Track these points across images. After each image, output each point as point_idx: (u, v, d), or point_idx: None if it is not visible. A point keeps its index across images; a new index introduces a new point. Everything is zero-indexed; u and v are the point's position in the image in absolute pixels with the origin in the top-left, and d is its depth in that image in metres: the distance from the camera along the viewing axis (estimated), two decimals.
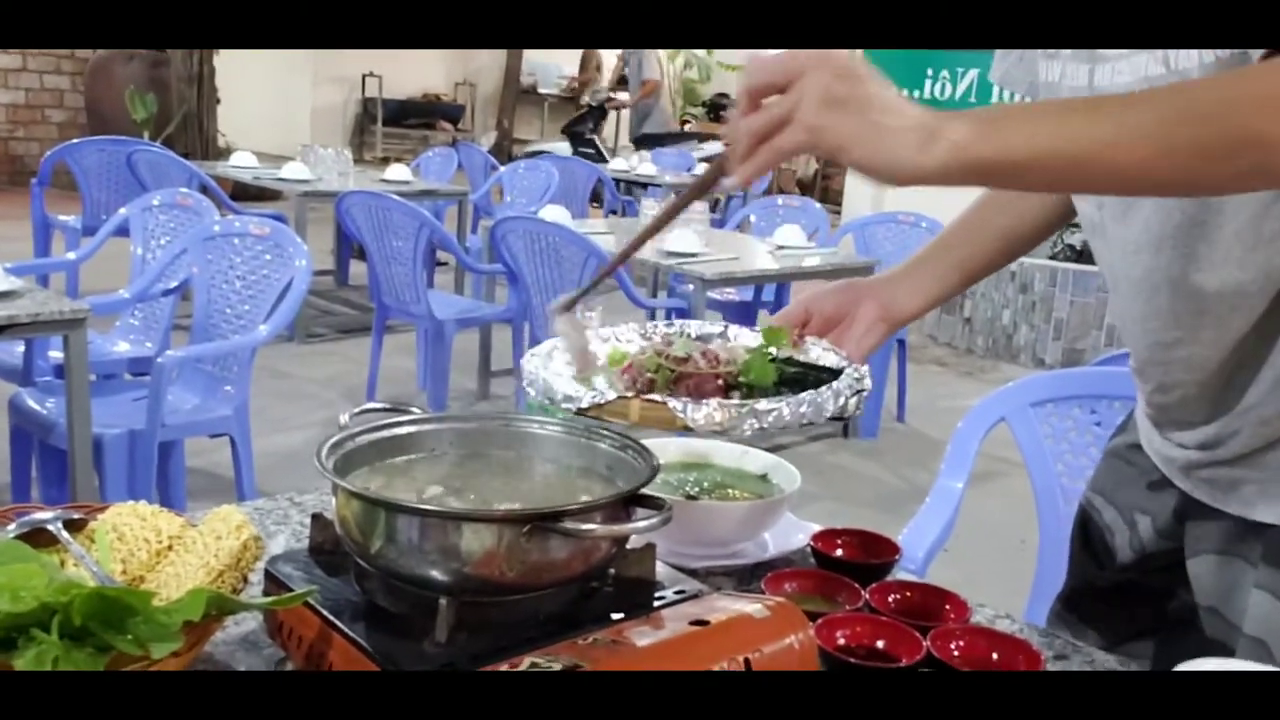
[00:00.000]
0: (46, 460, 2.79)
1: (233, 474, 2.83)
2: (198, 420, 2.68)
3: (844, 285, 1.20)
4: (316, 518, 0.96)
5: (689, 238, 3.79)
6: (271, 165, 5.62)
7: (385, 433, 1.00)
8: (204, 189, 4.91)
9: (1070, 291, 5.50)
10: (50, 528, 0.93)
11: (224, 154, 7.65)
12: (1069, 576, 1.30)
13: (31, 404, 2.61)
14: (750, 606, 0.89)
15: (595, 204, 7.23)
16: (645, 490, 0.89)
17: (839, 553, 1.19)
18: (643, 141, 9.20)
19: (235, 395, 2.71)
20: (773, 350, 1.07)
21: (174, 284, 2.98)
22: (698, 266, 3.61)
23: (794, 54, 0.80)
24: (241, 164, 5.75)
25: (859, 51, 0.81)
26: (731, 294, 4.38)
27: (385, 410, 1.05)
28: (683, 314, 3.59)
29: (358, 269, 5.91)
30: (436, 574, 0.83)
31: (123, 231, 3.37)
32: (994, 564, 2.51)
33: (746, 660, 0.83)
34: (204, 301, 2.94)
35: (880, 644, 1.00)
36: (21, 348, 2.73)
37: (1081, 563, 1.28)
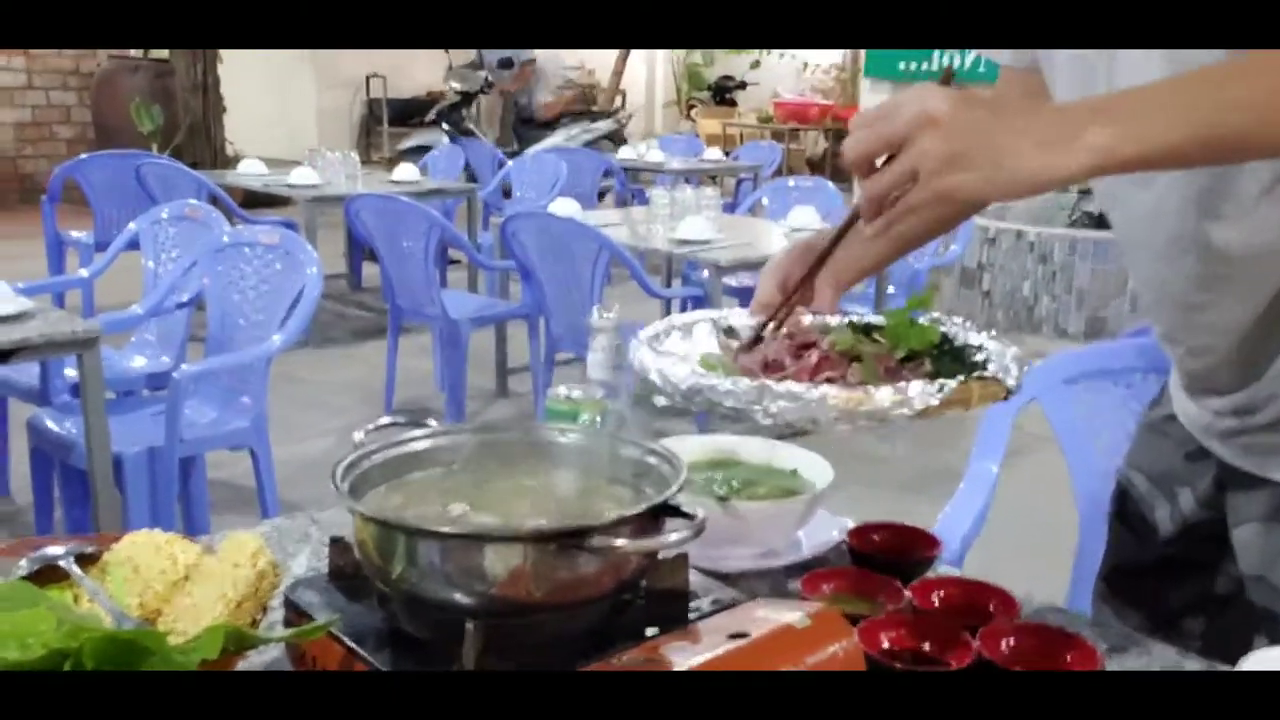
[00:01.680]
0: (69, 481, 2.77)
1: (254, 484, 2.81)
2: (216, 434, 2.66)
3: (800, 252, 1.10)
4: (335, 541, 0.93)
5: (701, 224, 3.74)
6: (280, 171, 5.60)
7: (401, 448, 0.96)
8: (213, 199, 4.90)
9: (1091, 260, 5.41)
10: (62, 564, 0.91)
11: (232, 162, 7.65)
12: (1109, 555, 1.26)
13: (50, 425, 2.60)
14: (790, 615, 0.85)
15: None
16: (675, 499, 0.85)
17: (876, 549, 1.15)
18: (521, 126, 8.88)
19: (253, 407, 2.69)
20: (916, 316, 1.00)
21: (186, 297, 2.96)
22: (712, 253, 3.56)
23: (895, 111, 0.77)
24: (249, 172, 5.73)
25: (944, 87, 0.78)
26: (747, 279, 4.33)
27: (400, 425, 1.02)
28: (699, 302, 3.55)
29: (370, 271, 5.90)
30: (461, 597, 0.80)
31: (134, 245, 3.35)
32: (1027, 543, 2.46)
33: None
34: (218, 313, 2.92)
35: (927, 646, 0.96)
36: (37, 368, 2.72)
37: (1122, 540, 1.24)
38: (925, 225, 1.11)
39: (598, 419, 1.13)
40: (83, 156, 5.49)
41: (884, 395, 0.82)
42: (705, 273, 3.66)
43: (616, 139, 9.07)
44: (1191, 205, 0.95)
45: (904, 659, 0.93)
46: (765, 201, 5.08)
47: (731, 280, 4.06)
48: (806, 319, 1.02)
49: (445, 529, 0.80)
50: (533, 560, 0.79)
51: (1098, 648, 0.92)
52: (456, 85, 8.20)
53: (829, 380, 0.88)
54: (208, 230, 3.15)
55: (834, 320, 1.03)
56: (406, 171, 5.61)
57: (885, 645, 0.95)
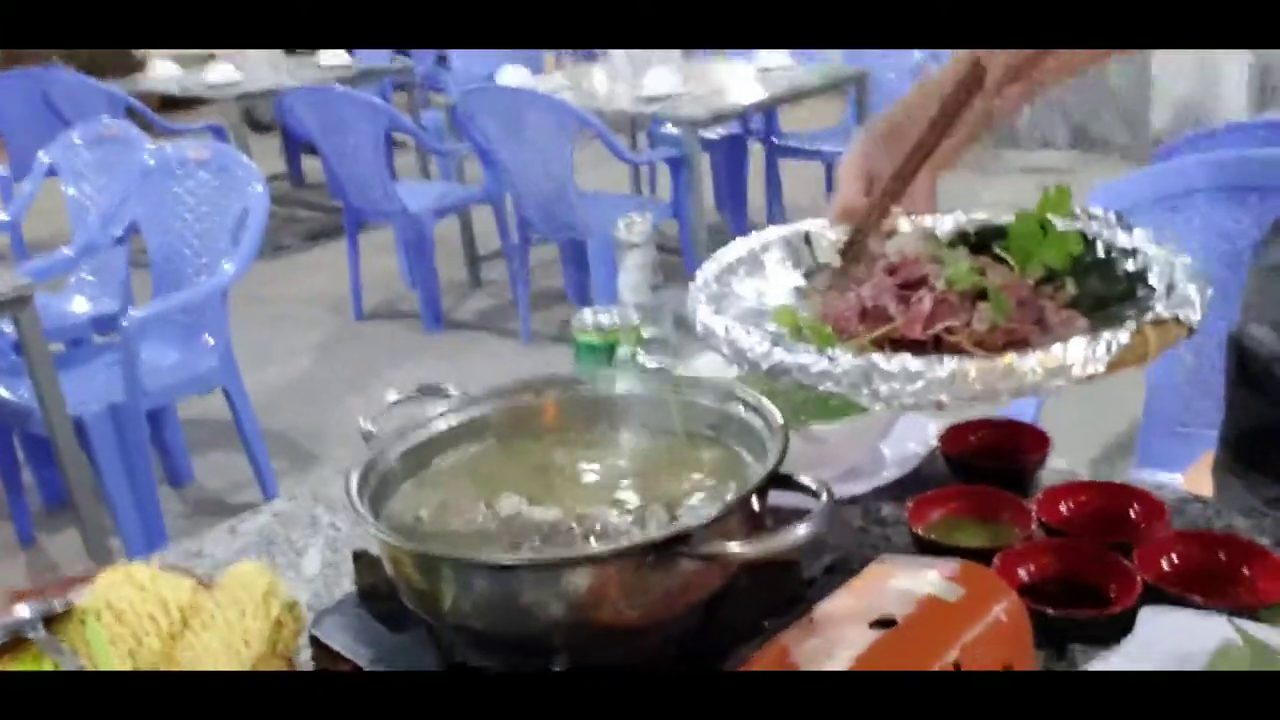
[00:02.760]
0: (31, 443, 2.58)
1: (232, 418, 2.62)
2: (183, 379, 2.45)
3: (882, 137, 0.93)
4: (360, 557, 0.76)
5: (665, 76, 3.45)
6: (196, 68, 5.15)
7: (423, 432, 0.78)
8: (130, 112, 4.51)
9: None
10: (30, 635, 0.73)
11: (140, 64, 7.10)
12: (1230, 423, 1.12)
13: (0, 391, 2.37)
14: (933, 582, 0.70)
15: None
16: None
17: (977, 455, 1.00)
18: None
19: (217, 343, 2.47)
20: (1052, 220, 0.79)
21: (120, 231, 2.69)
22: (684, 108, 3.29)
23: None
24: (163, 75, 5.28)
25: None
26: (719, 132, 4.06)
27: (412, 399, 0.83)
28: (676, 164, 3.31)
29: (312, 165, 5.53)
30: (535, 631, 0.63)
31: (54, 173, 3.04)
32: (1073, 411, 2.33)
33: (956, 664, 0.64)
34: (158, 244, 2.66)
35: (1072, 574, 0.81)
36: None
37: (1245, 403, 1.09)
38: None
39: (638, 352, 0.94)
40: None
41: (1032, 364, 0.63)
42: (677, 130, 3.39)
43: None
44: None
45: (1053, 595, 0.79)
46: None
47: (709, 134, 3.79)
48: (905, 225, 0.82)
49: (509, 560, 0.63)
50: (624, 576, 0.62)
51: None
52: None
53: (949, 331, 0.69)
54: (129, 150, 2.84)
55: (935, 222, 0.83)
56: (335, 56, 5.18)
57: (1025, 579, 0.81)
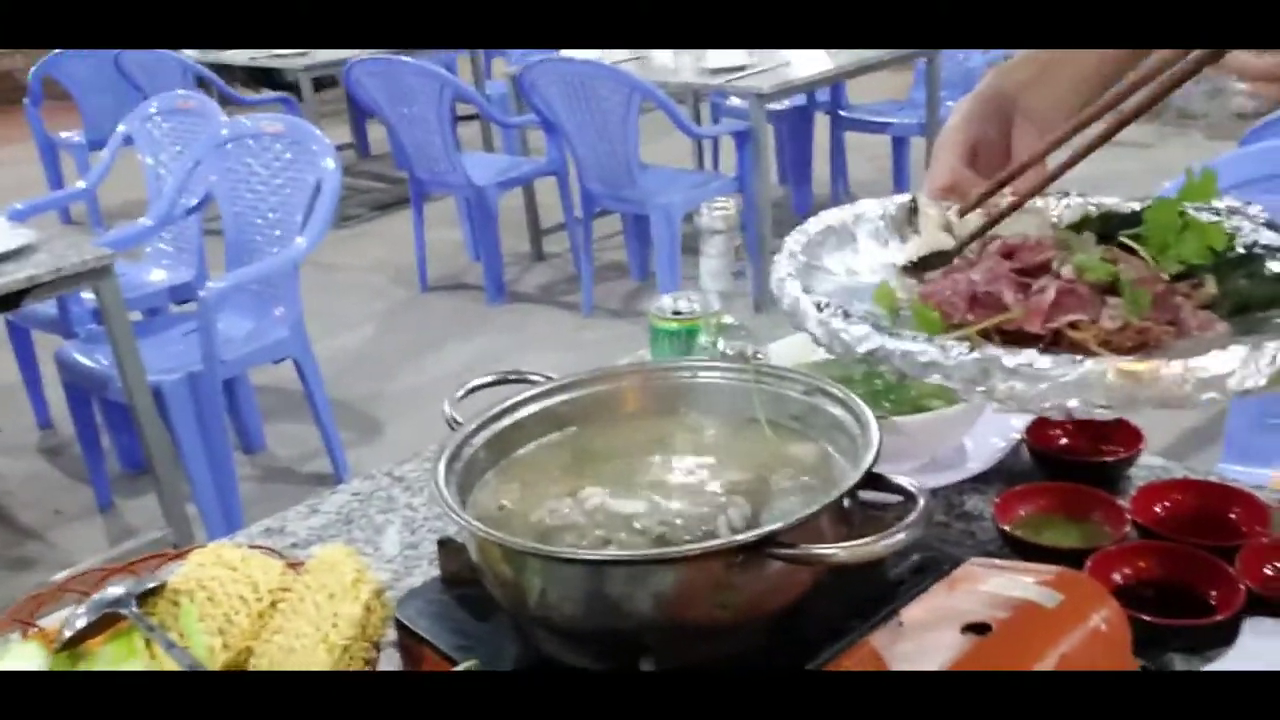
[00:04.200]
0: (109, 409, 2.65)
1: (301, 387, 2.67)
2: (256, 349, 2.49)
3: (989, 103, 0.88)
4: (444, 544, 0.76)
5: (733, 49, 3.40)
6: None
7: (506, 419, 0.78)
8: (201, 82, 4.58)
9: None
10: (124, 611, 0.74)
11: None
12: None
13: (80, 358, 2.44)
14: (1027, 588, 0.68)
15: None
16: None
17: (1066, 448, 0.97)
18: None
19: (288, 314, 2.50)
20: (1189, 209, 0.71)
21: (195, 201, 2.73)
22: (750, 80, 3.24)
23: None
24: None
25: None
26: (784, 104, 4.00)
27: (491, 385, 0.83)
28: (741, 138, 3.26)
29: (378, 135, 5.58)
30: (620, 628, 0.63)
31: (129, 141, 3.10)
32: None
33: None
34: (231, 213, 2.70)
35: (1170, 578, 0.79)
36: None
37: None
38: None
39: (719, 340, 0.93)
40: (57, 52, 5.13)
41: (1180, 372, 0.55)
42: (743, 102, 3.34)
43: None
44: None
45: (1149, 600, 0.76)
46: None
47: (774, 106, 3.73)
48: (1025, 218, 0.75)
49: (597, 556, 0.62)
50: (713, 576, 0.61)
51: None
52: None
53: (1073, 327, 0.62)
54: (204, 121, 2.89)
55: (1048, 205, 0.78)
56: None
57: (1119, 583, 0.78)
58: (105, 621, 0.75)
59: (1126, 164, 4.08)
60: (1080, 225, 0.73)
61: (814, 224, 0.77)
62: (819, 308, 0.66)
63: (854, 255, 0.77)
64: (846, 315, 0.65)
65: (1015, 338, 0.63)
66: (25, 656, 0.75)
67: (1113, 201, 0.77)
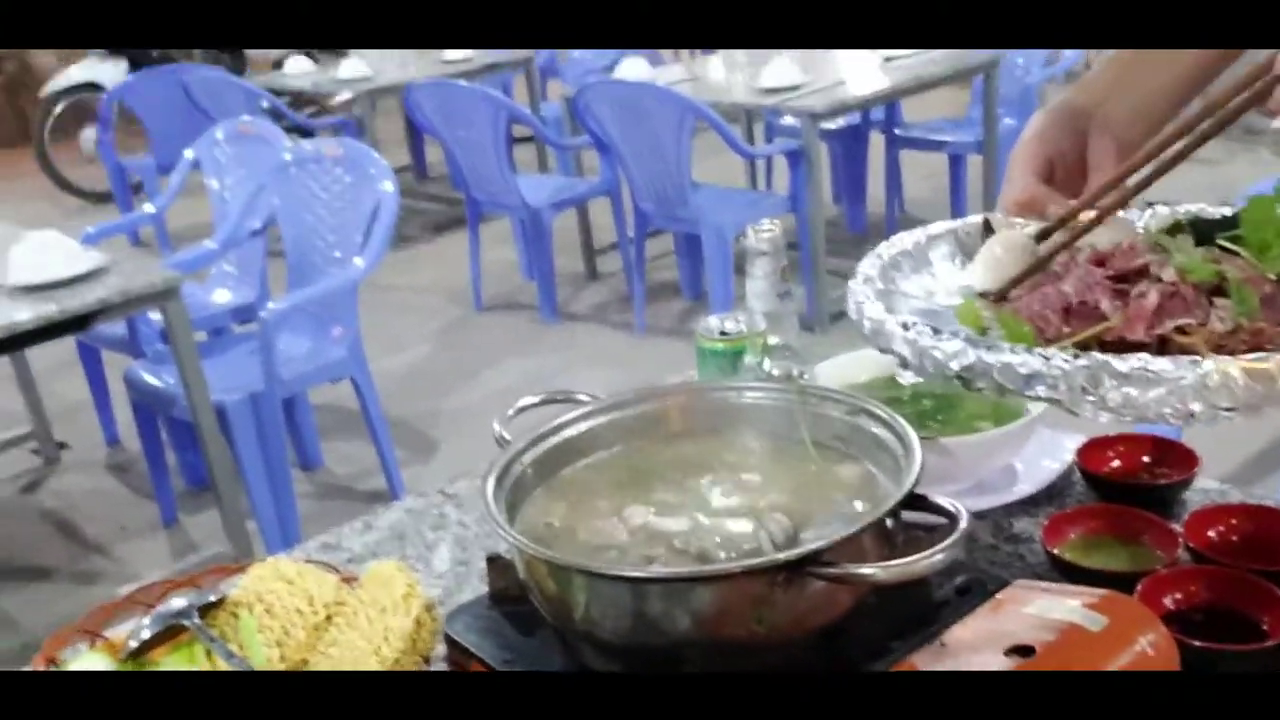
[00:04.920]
0: (175, 427, 2.72)
1: (357, 406, 2.72)
2: (315, 369, 2.55)
3: (1064, 117, 0.88)
4: (493, 560, 0.78)
5: (786, 67, 3.41)
6: (327, 63, 5.35)
7: (554, 438, 0.80)
8: (265, 107, 4.71)
9: None
10: (186, 623, 0.77)
11: (279, 63, 7.39)
12: None
13: (147, 378, 2.52)
14: (1073, 611, 0.67)
15: None
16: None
17: (1119, 471, 0.96)
18: None
19: (347, 334, 2.56)
20: None
21: (259, 223, 2.81)
22: (804, 99, 3.24)
23: None
24: (297, 71, 5.49)
25: None
26: (838, 122, 3.99)
27: (540, 405, 0.85)
28: (794, 157, 3.27)
29: (434, 157, 5.68)
30: (662, 643, 0.64)
31: (195, 165, 3.20)
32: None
33: None
34: (292, 235, 2.77)
35: (1222, 603, 0.77)
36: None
37: None
38: None
39: (765, 361, 0.94)
40: (130, 79, 5.32)
41: None
42: (795, 121, 3.35)
43: None
44: None
45: (1200, 626, 0.75)
46: None
47: (828, 124, 3.73)
48: (1090, 217, 0.72)
49: (640, 573, 0.63)
50: (754, 593, 0.62)
51: None
52: None
53: (1180, 331, 0.59)
54: (267, 146, 2.97)
55: (1132, 216, 0.75)
56: (457, 49, 5.29)
57: (1170, 608, 0.77)
58: (169, 633, 0.78)
59: (1194, 180, 3.99)
60: (1173, 230, 0.71)
61: (885, 248, 0.77)
62: (905, 327, 0.64)
63: (930, 278, 0.76)
64: (936, 332, 0.63)
65: (1116, 348, 0.60)
66: (93, 665, 0.78)
67: (1198, 208, 0.74)
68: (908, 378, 0.64)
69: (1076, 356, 0.56)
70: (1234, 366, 0.53)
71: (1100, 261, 0.66)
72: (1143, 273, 0.64)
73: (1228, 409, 0.53)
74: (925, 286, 0.74)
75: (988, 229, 0.76)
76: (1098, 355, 0.56)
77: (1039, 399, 0.58)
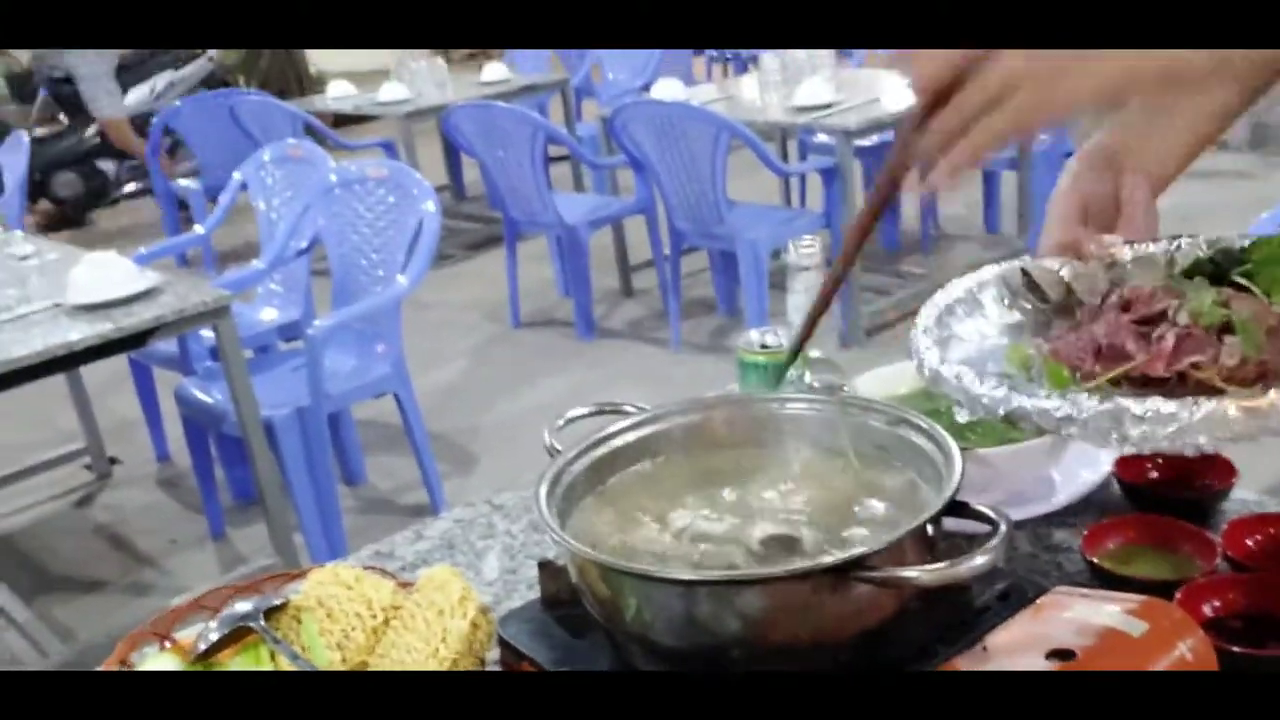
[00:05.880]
0: (223, 443, 2.79)
1: (400, 421, 2.77)
2: (359, 385, 2.61)
3: (1097, 159, 0.91)
4: (545, 566, 0.81)
5: (820, 86, 3.44)
6: (368, 87, 5.45)
7: (603, 448, 0.83)
8: (308, 129, 4.81)
9: None
10: (252, 625, 0.81)
11: (318, 83, 7.54)
12: None
13: (198, 394, 2.58)
14: (1113, 616, 0.69)
15: None
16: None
17: (1157, 482, 0.97)
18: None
19: (389, 351, 2.61)
20: None
21: (304, 243, 2.88)
22: (838, 118, 3.27)
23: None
24: (339, 94, 5.60)
25: None
26: (872, 139, 4.00)
27: (590, 416, 0.88)
28: (829, 174, 3.29)
29: (472, 177, 5.75)
30: (708, 646, 0.66)
31: (241, 187, 3.28)
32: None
33: None
34: (337, 255, 2.84)
35: (1261, 610, 0.78)
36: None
37: None
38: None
39: (806, 373, 0.96)
40: (177, 104, 5.46)
41: None
42: (830, 139, 3.37)
43: None
44: None
45: (1239, 633, 0.77)
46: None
47: (862, 141, 3.75)
48: (1125, 253, 0.80)
49: (688, 576, 0.66)
50: (799, 598, 0.64)
51: None
52: None
53: (1195, 367, 0.67)
54: (312, 168, 3.04)
55: (1157, 248, 0.80)
56: (495, 71, 5.37)
57: (1209, 615, 0.79)
58: (235, 635, 0.82)
59: (1228, 194, 3.98)
60: (1192, 270, 0.78)
61: (941, 296, 0.83)
62: (957, 378, 0.72)
63: (983, 320, 0.83)
64: (982, 380, 0.71)
65: (1144, 382, 0.69)
66: (164, 666, 0.82)
67: (1215, 238, 0.81)
68: (963, 415, 0.72)
69: (1101, 401, 0.64)
70: (1231, 406, 0.61)
71: (1126, 307, 0.75)
72: (1162, 316, 0.72)
73: (1229, 439, 0.61)
74: (979, 329, 0.81)
75: (1026, 279, 0.83)
76: (1120, 400, 0.64)
77: (1072, 437, 0.66)
